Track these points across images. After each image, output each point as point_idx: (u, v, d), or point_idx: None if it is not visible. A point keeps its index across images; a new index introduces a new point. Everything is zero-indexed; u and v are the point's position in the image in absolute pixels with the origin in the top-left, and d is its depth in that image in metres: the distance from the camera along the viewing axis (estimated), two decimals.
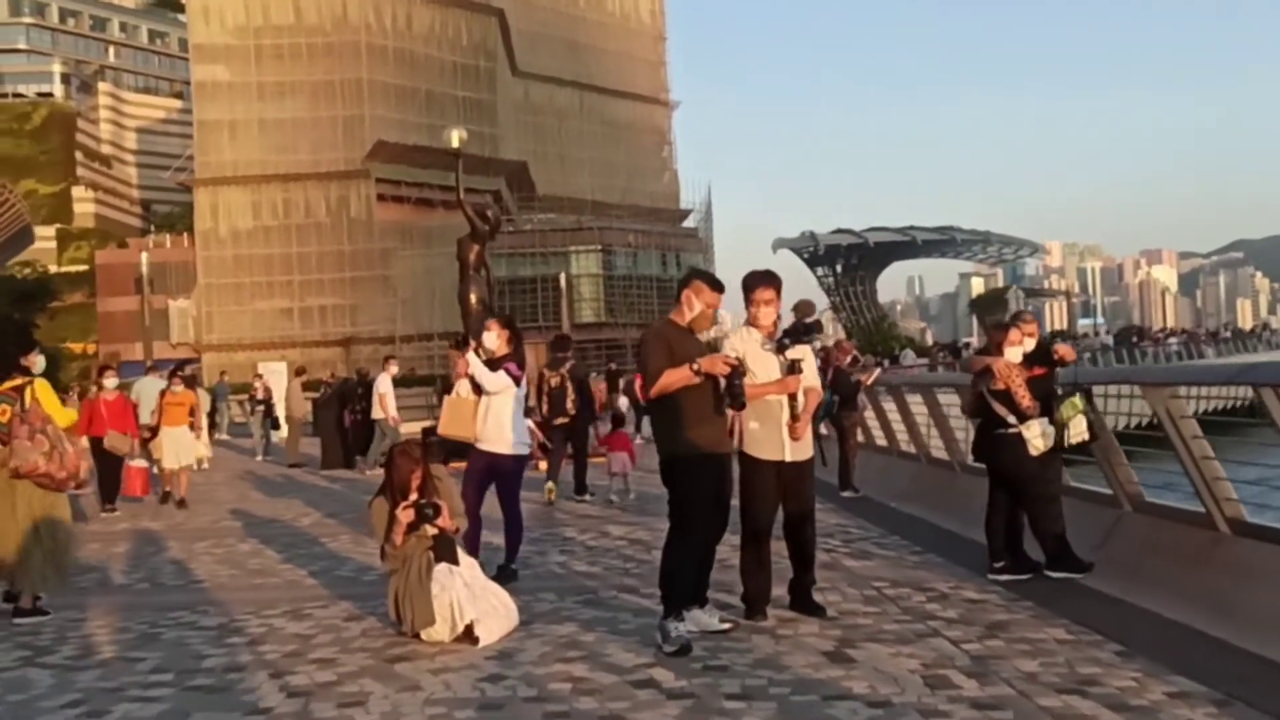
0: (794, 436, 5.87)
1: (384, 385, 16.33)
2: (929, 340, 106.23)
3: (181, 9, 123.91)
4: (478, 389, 7.42)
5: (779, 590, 6.10)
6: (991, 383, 6.88)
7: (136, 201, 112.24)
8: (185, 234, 71.52)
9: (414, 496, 5.87)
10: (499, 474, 7.49)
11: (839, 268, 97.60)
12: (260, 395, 22.61)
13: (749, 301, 5.96)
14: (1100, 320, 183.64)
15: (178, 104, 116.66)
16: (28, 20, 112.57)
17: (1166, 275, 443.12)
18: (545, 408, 11.98)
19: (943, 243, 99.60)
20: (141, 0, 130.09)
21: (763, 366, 5.77)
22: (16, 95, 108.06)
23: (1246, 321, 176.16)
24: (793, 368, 5.78)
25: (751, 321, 5.97)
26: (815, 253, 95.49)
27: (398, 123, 63.71)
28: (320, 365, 53.36)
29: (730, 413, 5.66)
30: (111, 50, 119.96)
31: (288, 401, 18.49)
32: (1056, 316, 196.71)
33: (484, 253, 18.90)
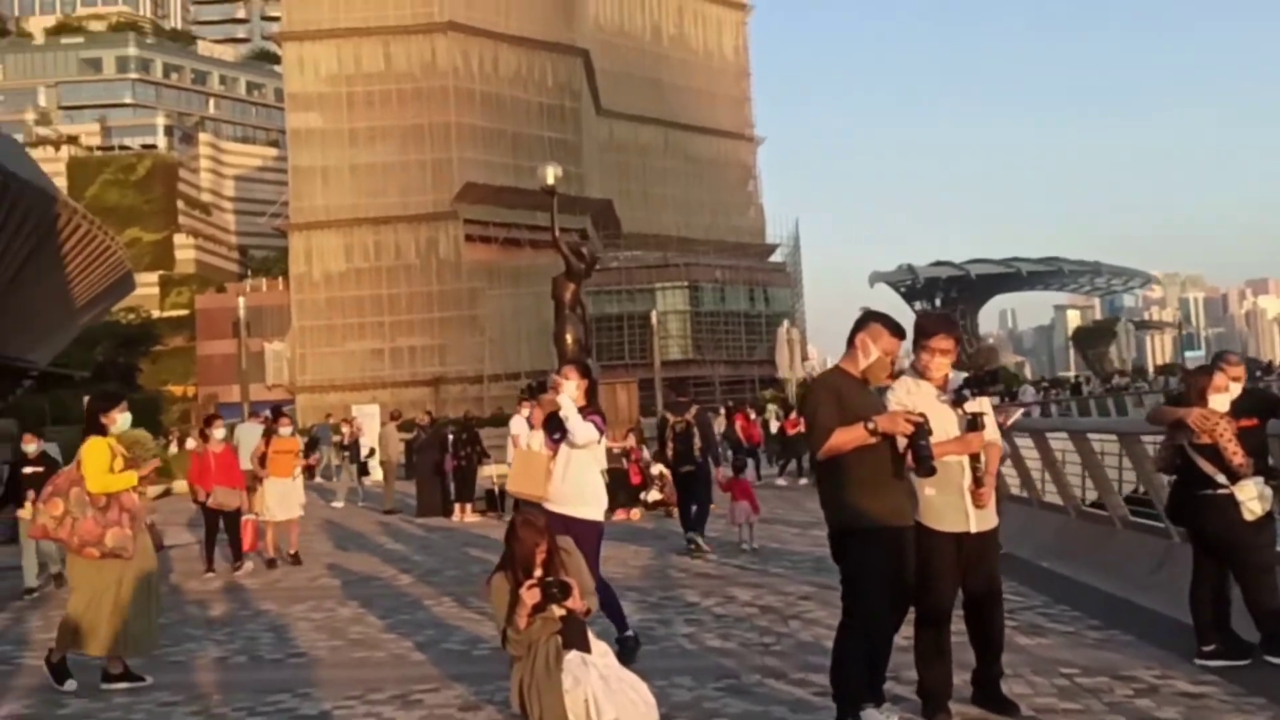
0: (978, 504, 5.02)
1: (517, 426, 15.63)
2: (1027, 375, 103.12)
3: (277, 61, 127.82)
4: (554, 442, 6.67)
5: (957, 680, 5.23)
6: (1194, 436, 5.94)
7: (234, 247, 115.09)
8: (280, 278, 72.83)
9: (539, 573, 5.11)
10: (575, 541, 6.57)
11: (938, 301, 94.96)
12: (348, 439, 22.30)
13: (921, 348, 5.12)
14: (1201, 353, 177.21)
15: (273, 152, 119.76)
16: (133, 76, 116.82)
17: (1274, 305, 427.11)
18: (671, 453, 11.82)
19: (1048, 274, 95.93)
20: (240, 54, 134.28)
21: (937, 423, 4.92)
22: (123, 148, 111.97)
23: None
24: (974, 423, 4.95)
25: (922, 372, 5.14)
26: (913, 286, 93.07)
27: (485, 164, 64.18)
28: (410, 406, 53.49)
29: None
30: (211, 102, 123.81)
31: (383, 445, 18.05)
32: (1159, 349, 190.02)
33: (580, 291, 18.30)
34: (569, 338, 17.51)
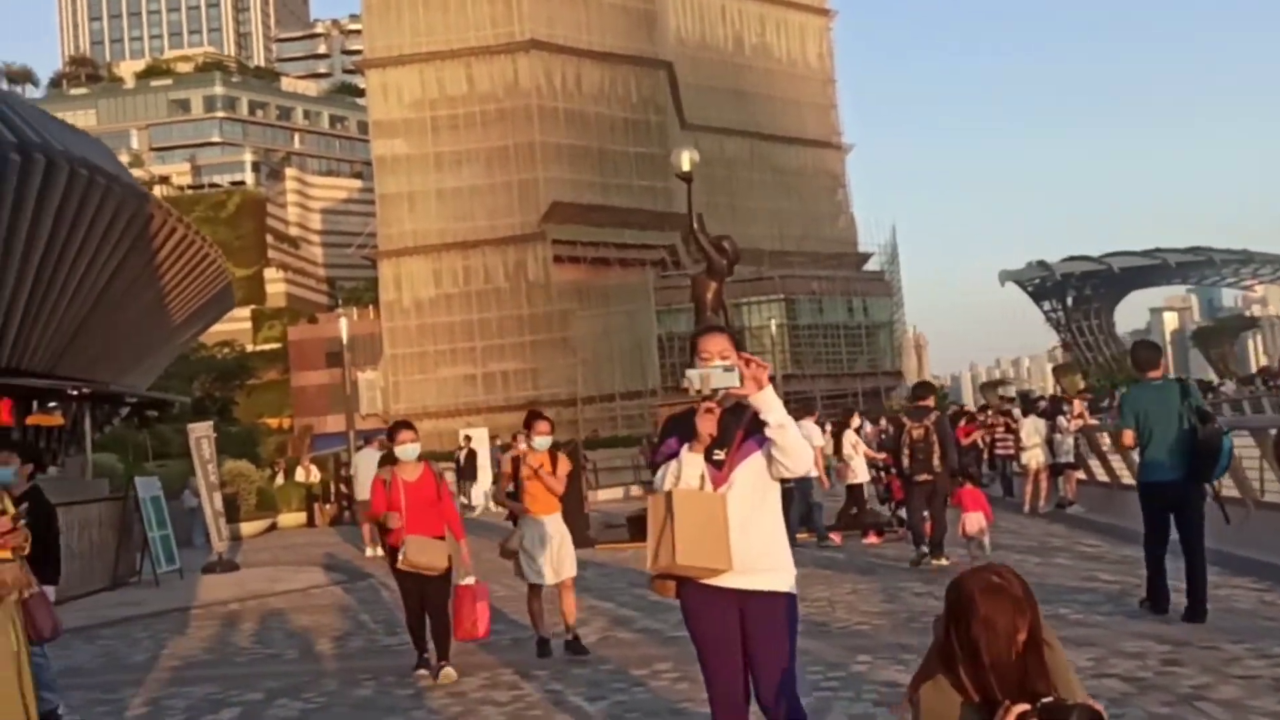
0: None
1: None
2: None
3: (359, 93, 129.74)
4: (718, 470, 3.95)
5: None
6: None
7: (323, 279, 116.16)
8: (371, 306, 72.69)
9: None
10: (759, 624, 3.94)
11: (1069, 299, 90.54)
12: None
13: None
14: None
15: (358, 184, 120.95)
16: (221, 115, 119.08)
17: None
18: (908, 462, 11.12)
19: (1199, 264, 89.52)
20: (322, 88, 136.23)
21: None
22: (212, 185, 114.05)
23: None
24: None
25: None
26: (1043, 284, 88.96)
27: (571, 183, 63.23)
28: (505, 431, 52.60)
29: None
30: (296, 137, 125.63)
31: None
32: (1258, 349, 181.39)
33: (723, 290, 16.62)
34: None
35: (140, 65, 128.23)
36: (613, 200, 64.46)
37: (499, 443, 30.63)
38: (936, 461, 10.99)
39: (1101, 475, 15.30)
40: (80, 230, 13.53)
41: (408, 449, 7.71)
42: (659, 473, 3.91)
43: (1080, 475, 15.23)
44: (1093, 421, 15.87)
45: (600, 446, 36.57)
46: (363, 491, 11.69)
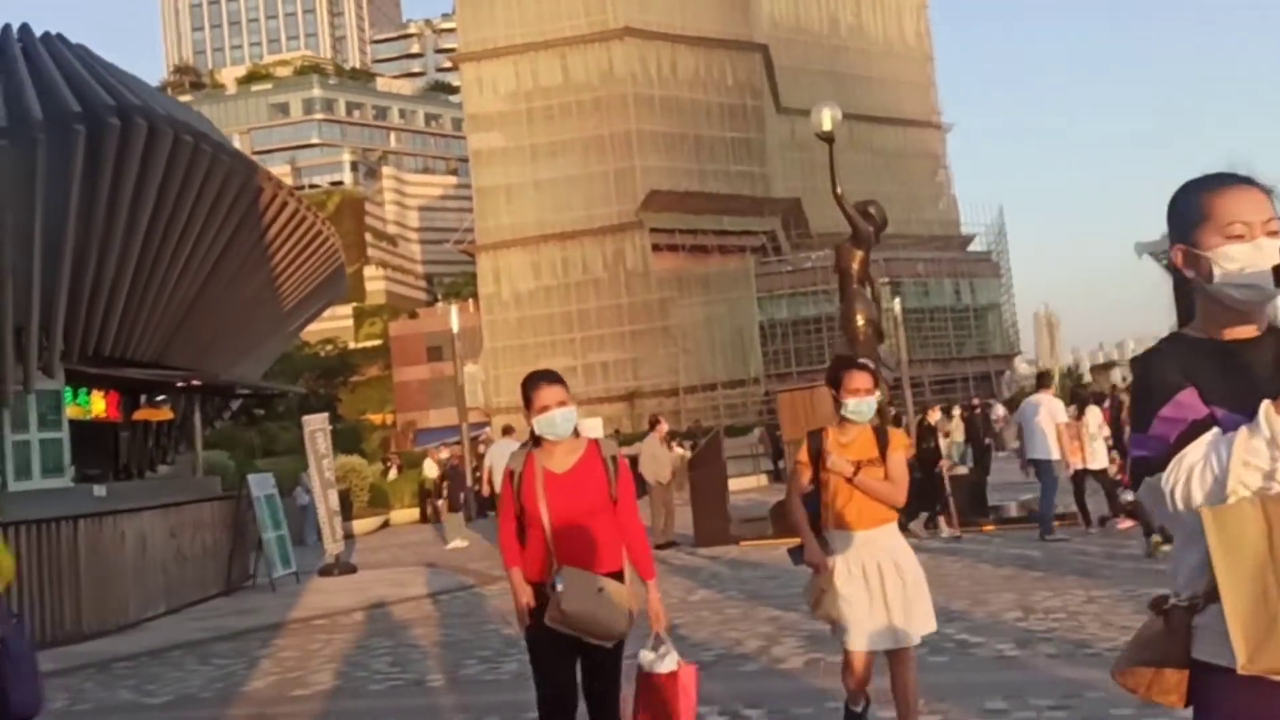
0: None
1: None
2: None
3: (452, 91, 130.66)
4: None
5: None
6: None
7: (421, 276, 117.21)
8: (470, 300, 72.71)
9: None
10: None
11: None
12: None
13: None
14: None
15: (453, 180, 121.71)
16: (319, 116, 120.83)
17: None
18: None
19: None
20: (416, 87, 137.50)
21: None
22: (312, 186, 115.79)
23: None
24: None
25: None
26: None
27: (668, 171, 62.32)
28: (606, 423, 52.02)
29: None
30: (393, 136, 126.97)
31: (653, 464, 15.31)
32: None
33: (868, 260, 15.32)
34: (860, 319, 14.57)
35: (241, 71, 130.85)
36: (710, 187, 63.39)
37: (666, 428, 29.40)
38: None
39: None
40: (187, 203, 12.57)
41: (554, 419, 4.21)
42: (1184, 467, 2.01)
43: None
44: None
45: (740, 434, 35.49)
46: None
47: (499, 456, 11.87)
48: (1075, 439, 11.95)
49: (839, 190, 15.37)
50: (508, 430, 17.96)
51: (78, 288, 12.30)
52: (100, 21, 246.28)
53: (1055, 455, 11.99)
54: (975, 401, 22.68)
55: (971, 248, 76.13)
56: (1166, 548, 9.61)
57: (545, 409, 4.20)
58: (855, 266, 14.98)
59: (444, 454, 20.98)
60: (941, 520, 12.99)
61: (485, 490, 17.29)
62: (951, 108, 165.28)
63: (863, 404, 4.79)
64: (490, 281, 64.26)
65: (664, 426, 16.14)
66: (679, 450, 20.62)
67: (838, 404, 4.87)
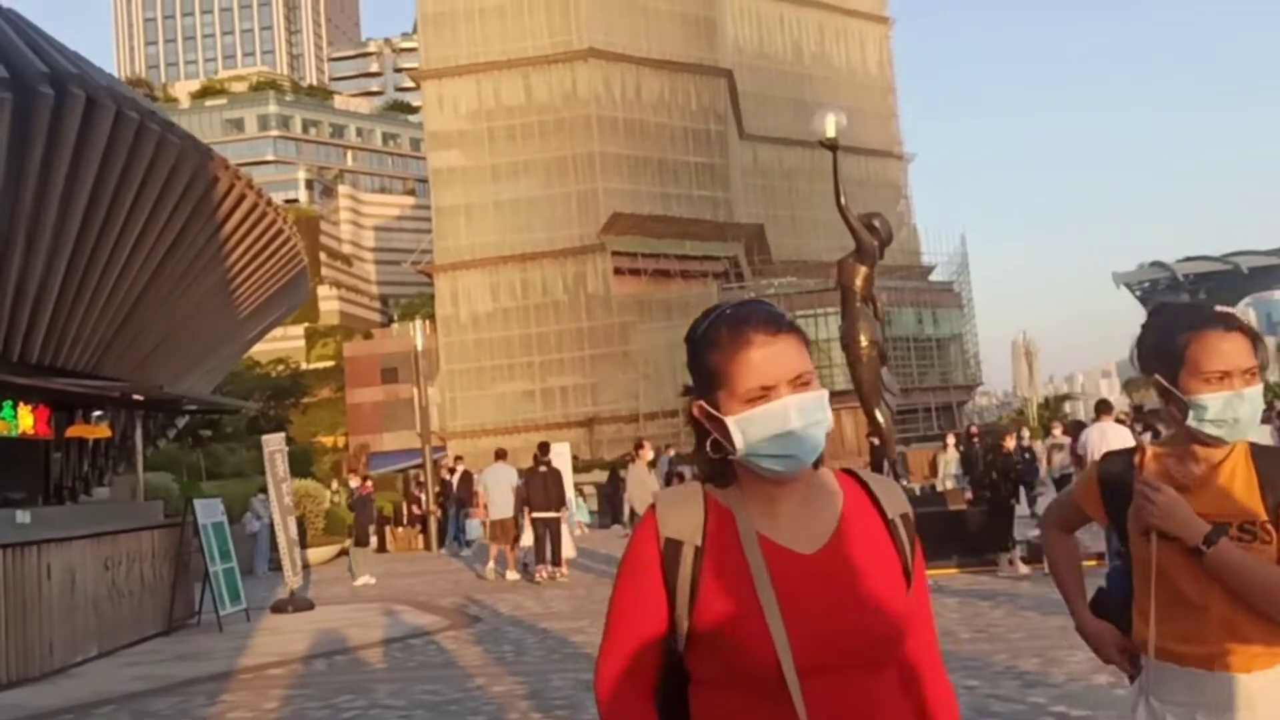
0: None
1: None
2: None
3: (411, 110, 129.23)
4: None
5: None
6: None
7: (375, 297, 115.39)
8: (426, 322, 71.20)
9: None
10: None
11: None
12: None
13: None
14: None
15: (411, 200, 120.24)
16: (275, 133, 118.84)
17: None
18: None
19: None
20: (375, 106, 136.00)
21: None
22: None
23: None
24: None
25: None
26: (1154, 287, 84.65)
27: (631, 193, 61.69)
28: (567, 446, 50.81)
29: None
30: (349, 154, 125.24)
31: (641, 492, 14.12)
32: None
33: (873, 276, 14.36)
34: (863, 339, 13.57)
35: (195, 86, 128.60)
36: (673, 211, 62.81)
37: (672, 452, 28.26)
38: None
39: None
40: (130, 188, 10.86)
41: (789, 414, 1.63)
42: None
43: None
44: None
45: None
46: (497, 510, 9.69)
47: (495, 479, 10.71)
48: None
49: (843, 200, 14.42)
50: (501, 454, 16.77)
51: (1, 283, 10.74)
52: (50, 33, 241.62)
53: None
54: (973, 429, 21.76)
55: (933, 277, 76.10)
56: None
57: (768, 393, 1.66)
58: (858, 283, 14.01)
59: (353, 481, 19.69)
60: (1016, 555, 11.93)
61: (481, 514, 16.20)
62: (913, 138, 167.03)
63: (1240, 401, 2.26)
64: (448, 303, 62.99)
65: (648, 450, 15.01)
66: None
67: (1169, 398, 2.37)
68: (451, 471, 24.77)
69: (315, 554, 20.73)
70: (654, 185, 62.93)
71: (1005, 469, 11.90)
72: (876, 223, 14.46)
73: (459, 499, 22.92)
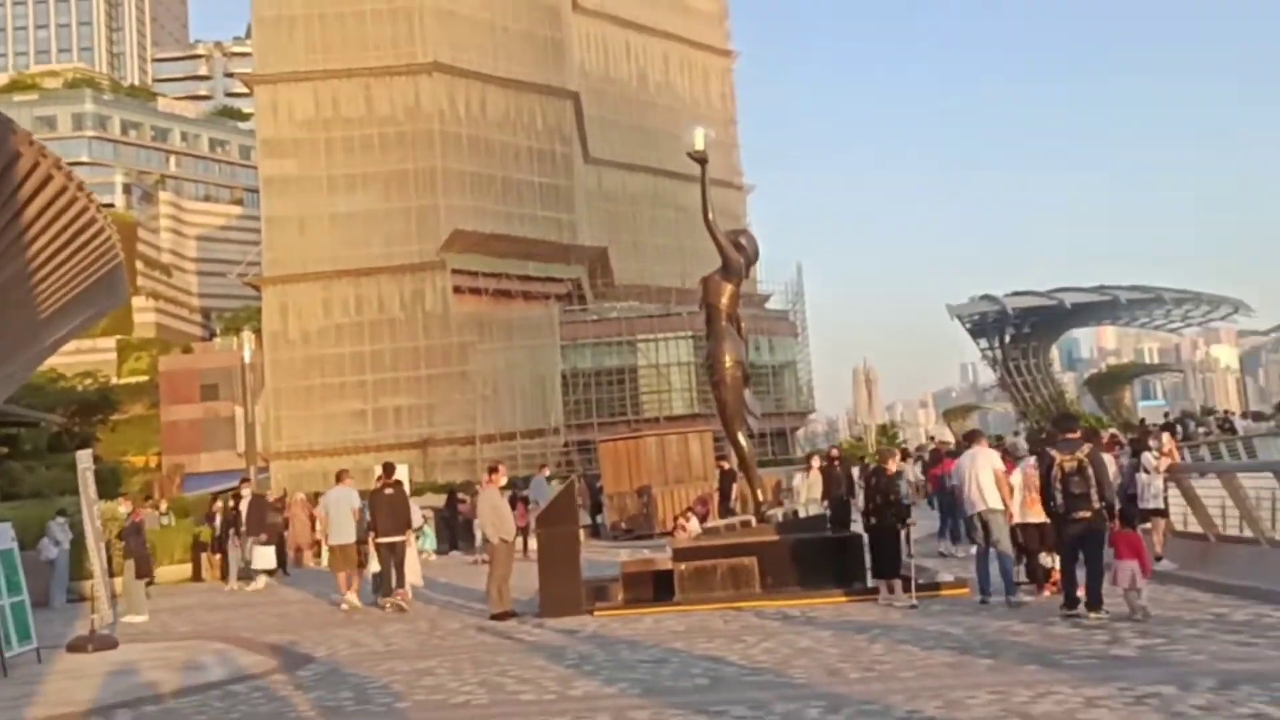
0: None
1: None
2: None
3: (241, 117, 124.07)
4: None
5: None
6: None
7: (196, 309, 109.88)
8: (254, 336, 67.99)
9: None
10: None
11: (1006, 336, 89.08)
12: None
13: None
14: (1162, 401, 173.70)
15: (238, 210, 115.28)
16: (90, 133, 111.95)
17: (1227, 354, 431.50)
18: (1060, 499, 9.78)
19: (1148, 302, 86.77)
20: (202, 110, 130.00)
21: None
22: None
23: None
24: None
25: None
26: (982, 320, 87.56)
27: (473, 211, 60.61)
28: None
29: None
30: (173, 160, 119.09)
31: (494, 518, 13.09)
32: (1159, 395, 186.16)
33: (739, 295, 13.92)
34: (728, 359, 13.09)
35: (2, 79, 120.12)
36: (516, 230, 61.99)
37: (547, 473, 26.98)
38: (1094, 497, 9.63)
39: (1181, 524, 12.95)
40: None
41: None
42: None
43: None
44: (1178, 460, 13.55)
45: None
46: (338, 535, 8.70)
47: (338, 502, 9.77)
48: (1030, 489, 10.88)
49: (710, 216, 13.93)
50: (342, 476, 15.56)
51: None
52: None
53: (999, 505, 11.02)
54: (834, 453, 21.63)
55: (769, 306, 77.45)
56: (1095, 616, 9.37)
57: None
58: (724, 301, 13.56)
59: (123, 508, 18.00)
60: (898, 586, 11.50)
61: (318, 540, 14.94)
62: (752, 170, 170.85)
63: None
64: (276, 317, 60.24)
65: (502, 475, 14.10)
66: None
67: None
68: (237, 497, 21.98)
69: (120, 584, 18.84)
70: (497, 204, 61.99)
71: (889, 493, 11.53)
72: (743, 240, 14.08)
73: (249, 526, 20.53)
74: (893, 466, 11.92)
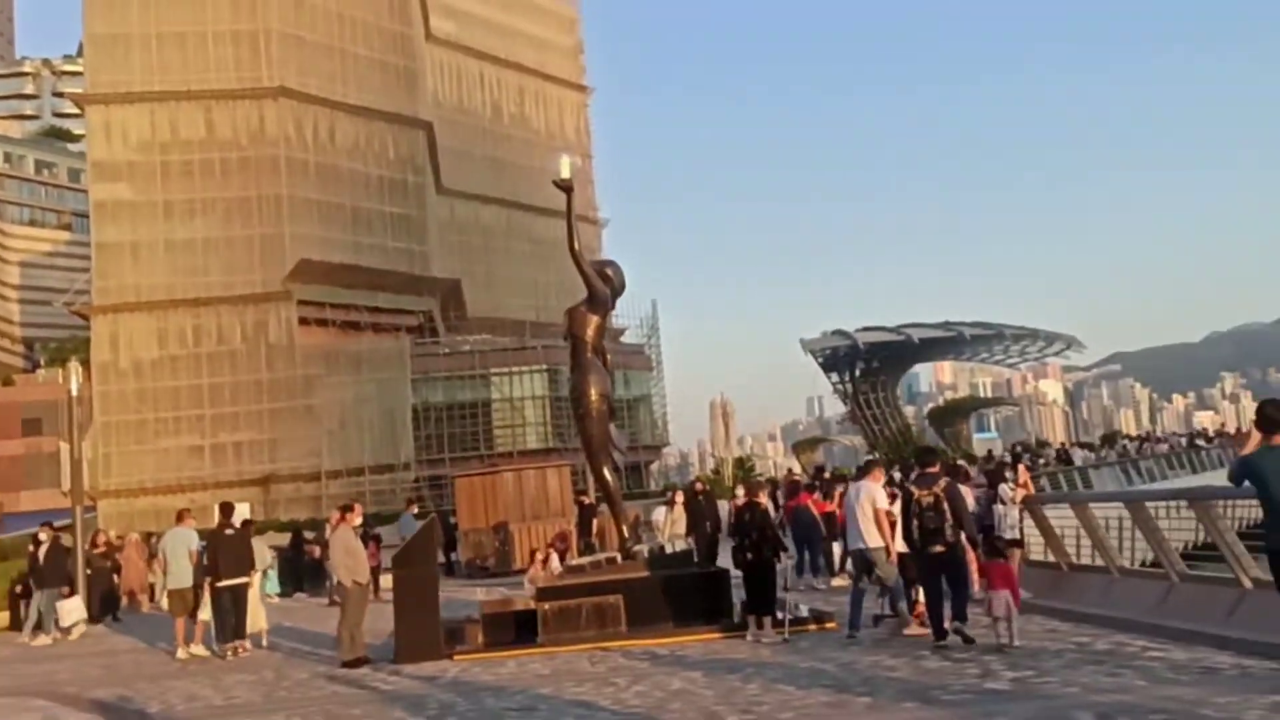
0: None
1: None
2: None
3: (70, 138, 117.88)
4: None
5: None
6: None
7: (18, 339, 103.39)
8: (82, 367, 64.22)
9: None
10: None
11: (857, 370, 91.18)
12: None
13: None
14: (994, 434, 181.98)
15: (65, 236, 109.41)
16: None
17: (1053, 389, 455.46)
18: (918, 532, 9.97)
19: (989, 338, 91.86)
20: (28, 131, 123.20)
21: None
22: None
23: (1130, 430, 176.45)
24: None
25: None
26: (834, 354, 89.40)
27: (320, 240, 58.88)
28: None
29: None
30: None
31: (348, 560, 12.30)
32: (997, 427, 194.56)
33: (604, 327, 13.64)
34: (593, 392, 12.80)
35: None
36: (365, 261, 60.51)
37: (415, 510, 25.76)
38: (949, 531, 9.85)
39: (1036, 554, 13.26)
40: None
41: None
42: None
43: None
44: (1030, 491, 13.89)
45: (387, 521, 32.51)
46: (175, 579, 7.96)
47: (177, 544, 9.01)
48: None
49: (576, 246, 13.68)
50: (182, 515, 14.51)
51: None
52: None
53: (877, 543, 10.96)
54: (698, 486, 21.46)
55: (625, 340, 77.76)
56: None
57: None
58: (590, 333, 13.28)
59: None
60: (768, 622, 11.25)
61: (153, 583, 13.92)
62: (607, 204, 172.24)
63: None
64: (106, 348, 57.15)
65: (357, 515, 13.38)
66: None
67: None
68: (37, 542, 19.86)
69: None
70: (346, 233, 60.43)
71: (765, 526, 11.37)
72: (610, 271, 13.87)
73: (47, 575, 18.62)
74: (764, 500, 11.80)
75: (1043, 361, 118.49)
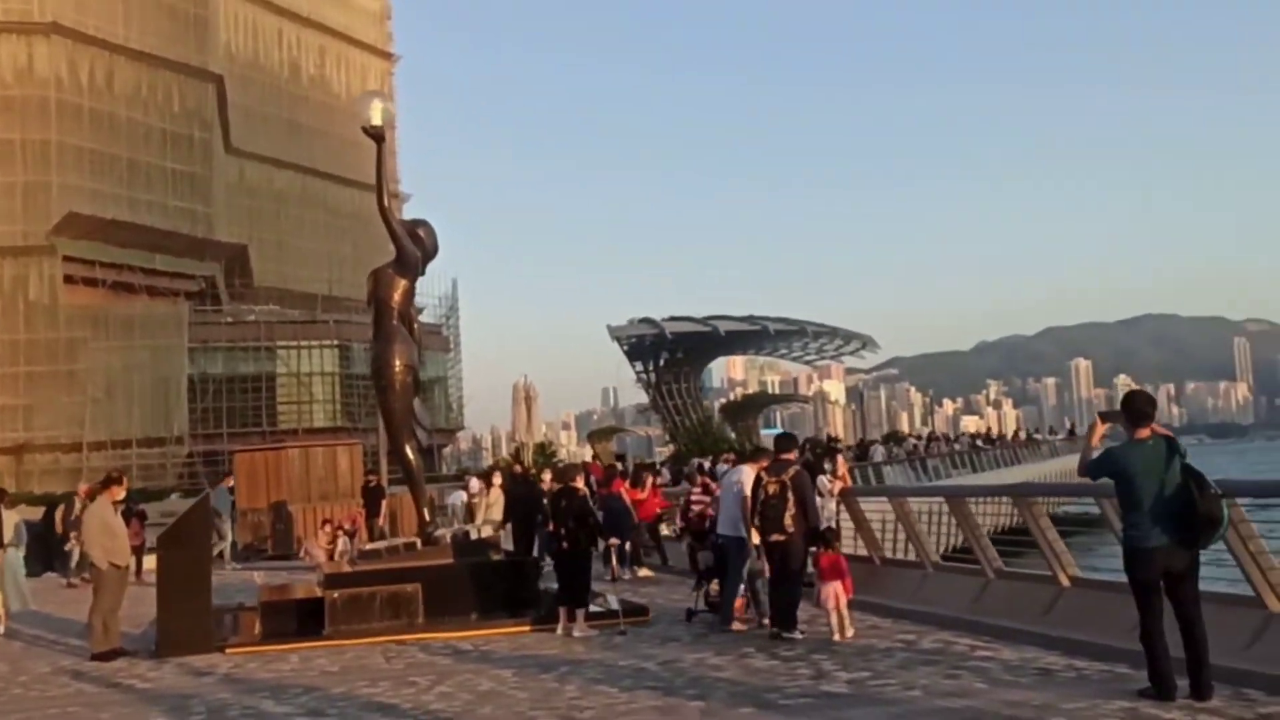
0: None
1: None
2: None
3: None
4: None
5: None
6: None
7: None
8: None
9: None
10: None
11: (661, 360, 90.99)
12: None
13: None
14: (778, 430, 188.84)
15: None
16: None
17: (836, 389, 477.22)
18: (758, 520, 9.73)
19: (791, 334, 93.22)
20: None
21: None
22: None
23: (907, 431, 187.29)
24: None
25: None
26: (640, 343, 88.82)
27: (92, 193, 54.67)
28: None
29: None
30: None
31: (104, 538, 10.64)
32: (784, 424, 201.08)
33: (413, 291, 12.56)
34: (397, 363, 11.70)
35: None
36: (142, 218, 56.54)
37: (230, 484, 23.07)
38: (789, 520, 9.45)
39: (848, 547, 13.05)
40: None
41: None
42: None
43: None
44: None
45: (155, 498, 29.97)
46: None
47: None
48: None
49: (386, 202, 12.52)
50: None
51: None
52: None
53: (733, 532, 10.39)
54: (518, 469, 20.44)
55: (423, 319, 75.62)
56: (790, 636, 9.37)
57: None
58: (397, 297, 12.16)
59: None
60: (580, 615, 10.37)
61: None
62: (410, 180, 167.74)
63: None
64: None
65: (122, 488, 11.80)
66: None
67: None
68: None
69: None
70: (121, 187, 56.34)
71: (583, 514, 10.56)
72: (422, 231, 12.78)
73: None
74: (580, 485, 11.04)
75: (839, 360, 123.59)
